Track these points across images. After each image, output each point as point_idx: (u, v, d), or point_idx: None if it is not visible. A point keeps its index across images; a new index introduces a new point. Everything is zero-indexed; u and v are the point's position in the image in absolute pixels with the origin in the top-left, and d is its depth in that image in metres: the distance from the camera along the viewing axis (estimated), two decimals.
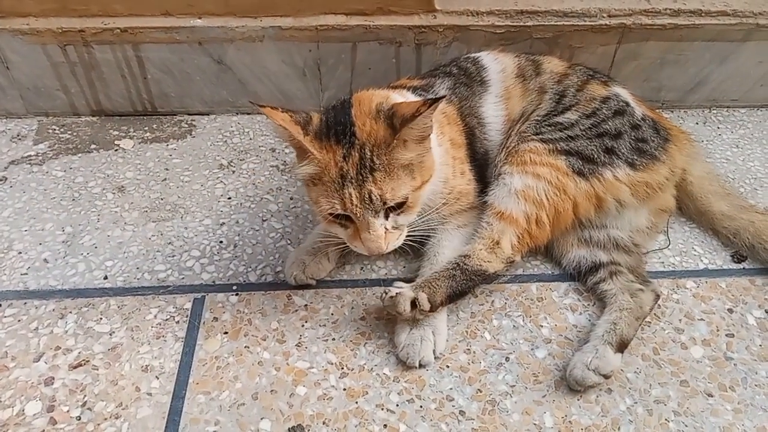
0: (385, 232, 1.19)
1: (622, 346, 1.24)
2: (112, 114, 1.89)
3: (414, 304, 1.23)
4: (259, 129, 1.87)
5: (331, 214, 1.19)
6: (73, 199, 1.62)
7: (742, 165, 1.79)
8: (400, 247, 1.28)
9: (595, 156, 1.37)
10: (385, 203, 1.16)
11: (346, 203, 1.16)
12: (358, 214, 1.17)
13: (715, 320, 1.35)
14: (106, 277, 1.42)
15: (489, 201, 1.37)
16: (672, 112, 1.98)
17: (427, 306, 1.23)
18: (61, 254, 1.47)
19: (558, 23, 1.76)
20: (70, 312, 1.34)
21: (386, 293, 1.25)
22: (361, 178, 1.15)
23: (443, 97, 1.15)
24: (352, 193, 1.15)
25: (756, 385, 1.23)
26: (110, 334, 1.30)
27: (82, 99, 1.85)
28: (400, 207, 1.19)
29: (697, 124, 1.95)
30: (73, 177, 1.69)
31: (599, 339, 1.24)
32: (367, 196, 1.15)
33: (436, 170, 1.26)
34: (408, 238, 1.27)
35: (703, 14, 1.79)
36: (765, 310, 1.37)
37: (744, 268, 1.47)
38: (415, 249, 1.44)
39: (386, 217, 1.19)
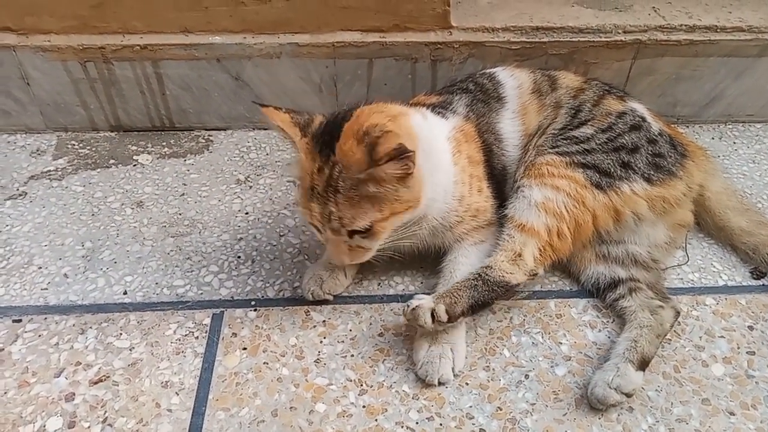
0: (349, 249, 1.21)
1: (643, 364, 1.23)
2: (131, 129, 1.92)
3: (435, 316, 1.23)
4: (275, 144, 1.89)
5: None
6: (93, 214, 1.64)
7: (759, 180, 1.78)
8: (391, 255, 1.31)
9: (612, 170, 1.37)
10: (345, 226, 1.17)
11: (311, 216, 1.19)
12: (320, 229, 1.19)
13: (736, 337, 1.34)
14: (125, 292, 1.43)
15: (509, 214, 1.37)
16: (687, 127, 1.98)
17: (444, 317, 1.22)
18: (80, 269, 1.48)
19: (573, 39, 1.77)
20: (90, 327, 1.35)
21: (408, 306, 1.24)
22: (325, 196, 1.16)
23: (411, 152, 1.10)
24: (315, 208, 1.17)
25: None
26: (130, 350, 1.31)
27: (101, 114, 1.88)
28: (364, 231, 1.19)
29: (713, 139, 1.95)
30: (92, 192, 1.71)
31: (620, 357, 1.23)
32: (327, 215, 1.17)
33: (423, 200, 1.23)
34: (392, 248, 1.29)
35: (718, 30, 1.80)
36: None
37: (764, 285, 1.46)
38: (430, 262, 1.44)
39: (350, 236, 1.20)
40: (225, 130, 1.93)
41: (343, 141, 1.14)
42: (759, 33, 1.81)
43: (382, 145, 1.10)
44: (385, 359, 1.30)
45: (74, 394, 1.22)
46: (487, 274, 1.30)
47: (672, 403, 1.22)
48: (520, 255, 1.32)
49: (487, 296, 1.28)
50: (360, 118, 1.18)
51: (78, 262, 1.50)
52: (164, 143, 1.88)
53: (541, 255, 1.33)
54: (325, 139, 1.18)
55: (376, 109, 1.24)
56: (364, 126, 1.15)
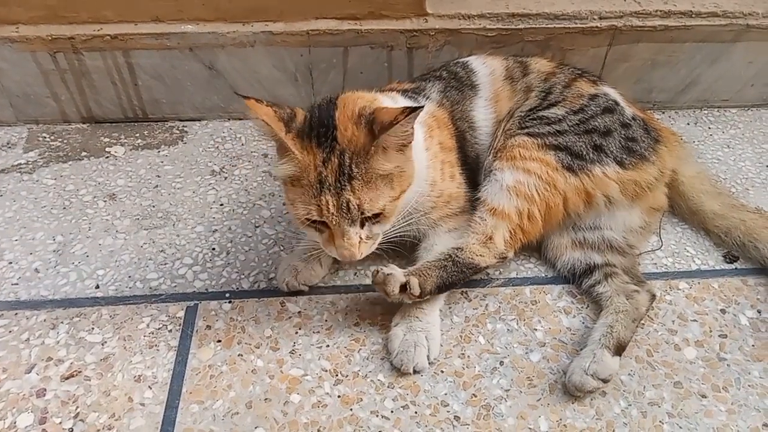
0: (360, 241, 1.19)
1: (619, 349, 1.24)
2: (103, 121, 1.88)
3: (404, 288, 1.24)
4: (251, 134, 1.87)
5: (307, 219, 1.18)
6: (64, 208, 1.61)
7: (733, 165, 1.79)
8: (381, 250, 1.29)
9: (584, 153, 1.37)
10: (362, 213, 1.15)
11: (323, 210, 1.15)
12: (334, 222, 1.16)
13: (708, 321, 1.36)
14: (97, 287, 1.41)
15: (482, 197, 1.38)
16: (663, 112, 1.99)
17: (417, 291, 1.23)
18: (52, 264, 1.46)
19: (549, 26, 1.76)
20: (62, 322, 1.33)
21: (378, 271, 1.25)
22: (339, 185, 1.14)
23: (422, 107, 1.12)
24: (329, 201, 1.14)
25: (749, 386, 1.23)
26: (102, 344, 1.29)
27: (72, 106, 1.84)
28: (376, 216, 1.19)
29: (688, 124, 1.96)
30: (64, 185, 1.68)
31: (596, 343, 1.24)
32: (344, 204, 1.14)
33: (416, 178, 1.25)
34: (387, 241, 1.28)
35: (693, 15, 1.80)
36: (757, 310, 1.38)
37: (736, 269, 1.48)
38: (405, 252, 1.44)
39: (362, 225, 1.18)
40: (199, 120, 1.90)
41: (343, 129, 1.15)
42: (733, 18, 1.81)
43: (381, 117, 1.13)
44: (360, 349, 1.29)
45: (45, 390, 1.21)
46: (457, 256, 1.31)
47: (644, 387, 1.23)
48: (491, 238, 1.33)
49: (456, 277, 1.30)
50: (348, 106, 1.19)
51: (49, 256, 1.48)
52: (137, 134, 1.85)
53: (511, 238, 1.35)
54: (320, 132, 1.15)
55: (356, 96, 1.25)
56: (356, 109, 1.17)
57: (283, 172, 1.18)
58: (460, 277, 1.30)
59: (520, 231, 1.35)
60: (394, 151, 1.16)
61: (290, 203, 1.20)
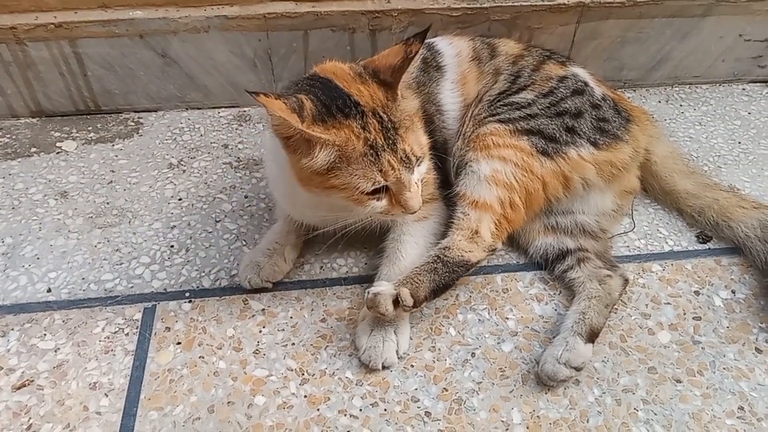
0: (417, 187, 1.16)
1: (592, 336, 1.21)
2: (53, 114, 1.79)
3: (397, 301, 1.18)
4: (210, 124, 1.79)
5: (369, 192, 1.11)
6: (13, 208, 1.53)
7: (705, 142, 1.77)
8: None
9: (557, 135, 1.34)
10: (417, 157, 1.13)
11: (388, 172, 1.10)
12: (402, 177, 1.11)
13: (682, 303, 1.33)
14: (49, 290, 1.34)
15: (461, 191, 1.33)
16: (635, 90, 1.95)
17: (410, 302, 1.17)
18: (0, 267, 1.38)
19: (515, 4, 1.71)
20: (12, 329, 1.26)
21: (367, 293, 1.19)
22: (391, 141, 1.10)
23: (428, 28, 1.15)
24: (390, 159, 1.10)
25: (724, 368, 1.22)
26: (55, 351, 1.23)
27: (19, 100, 1.75)
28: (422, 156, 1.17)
29: (659, 102, 1.93)
30: (13, 184, 1.59)
31: (569, 330, 1.21)
32: (403, 155, 1.11)
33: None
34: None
35: None
36: (731, 291, 1.36)
37: (709, 249, 1.45)
38: (373, 243, 1.39)
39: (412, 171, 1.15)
40: (155, 111, 1.82)
41: (357, 95, 1.11)
42: None
43: (383, 66, 1.14)
44: (327, 346, 1.25)
45: None
46: (446, 255, 1.26)
47: (618, 374, 1.21)
48: (477, 232, 1.30)
49: (449, 278, 1.25)
50: (339, 74, 1.15)
51: None
52: (90, 128, 1.77)
53: (497, 229, 1.31)
54: (338, 105, 1.09)
55: (331, 65, 1.21)
56: (350, 72, 1.15)
57: (320, 163, 1.09)
58: (453, 277, 1.25)
59: (504, 220, 1.32)
60: (406, 89, 1.17)
61: (340, 188, 1.11)
